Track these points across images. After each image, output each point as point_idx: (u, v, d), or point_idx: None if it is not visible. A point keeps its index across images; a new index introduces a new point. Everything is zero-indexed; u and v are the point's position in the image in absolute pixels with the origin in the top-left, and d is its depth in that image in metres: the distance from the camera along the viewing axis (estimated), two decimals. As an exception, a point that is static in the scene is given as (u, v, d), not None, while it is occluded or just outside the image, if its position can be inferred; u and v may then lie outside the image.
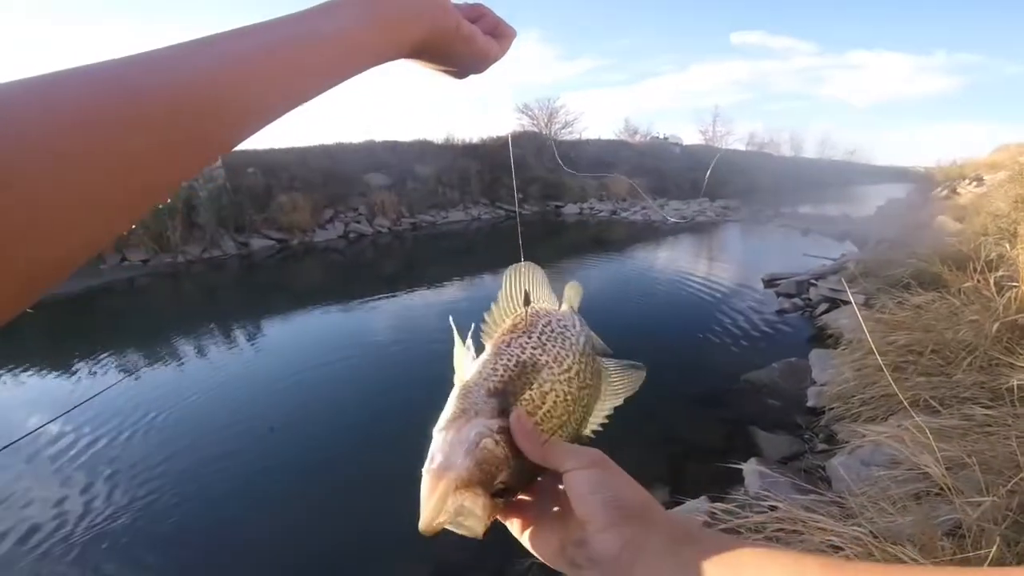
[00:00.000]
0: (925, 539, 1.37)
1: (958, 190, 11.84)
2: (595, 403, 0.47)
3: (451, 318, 0.48)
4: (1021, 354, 2.49)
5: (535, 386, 0.43)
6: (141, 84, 0.24)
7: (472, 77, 0.48)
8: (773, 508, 1.92)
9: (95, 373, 5.20)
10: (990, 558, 1.17)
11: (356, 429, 3.93)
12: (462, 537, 0.38)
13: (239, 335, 6.29)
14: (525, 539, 0.41)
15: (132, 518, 3.03)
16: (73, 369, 5.33)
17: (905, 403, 2.25)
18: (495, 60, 0.47)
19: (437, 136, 20.20)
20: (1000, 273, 3.42)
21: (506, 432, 0.40)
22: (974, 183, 11.65)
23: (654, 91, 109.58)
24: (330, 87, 0.34)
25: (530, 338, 0.45)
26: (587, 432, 0.46)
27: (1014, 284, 3.17)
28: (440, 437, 0.39)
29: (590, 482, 0.38)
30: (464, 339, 0.47)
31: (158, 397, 4.54)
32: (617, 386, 0.48)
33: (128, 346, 5.94)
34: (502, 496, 0.39)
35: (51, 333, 6.32)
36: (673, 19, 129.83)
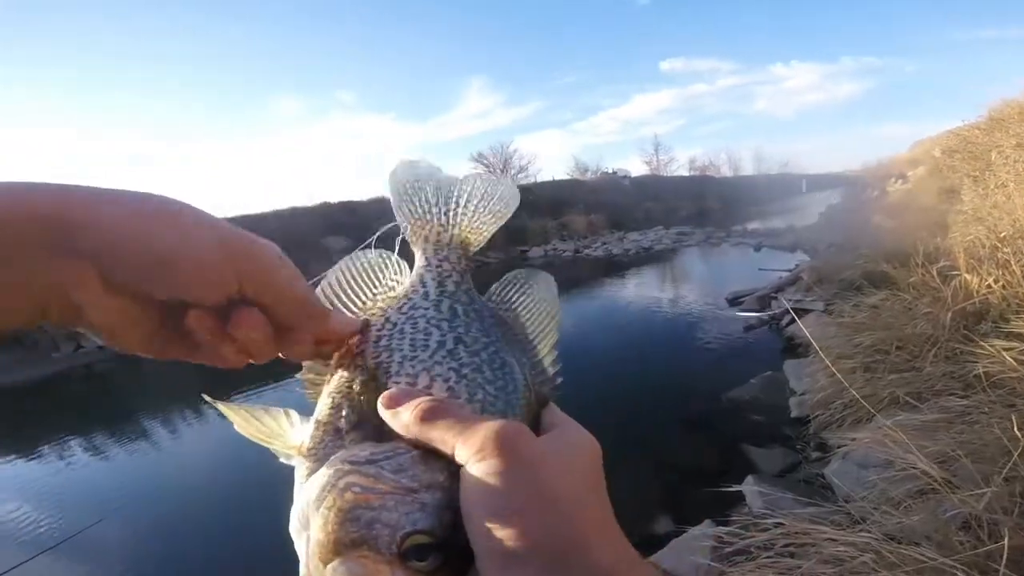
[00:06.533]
0: (940, 536, 1.37)
1: (888, 189, 12.66)
2: (518, 356, 0.37)
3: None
4: (978, 341, 2.59)
5: (400, 380, 0.32)
6: None
7: None
8: (778, 525, 1.89)
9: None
10: (1006, 548, 1.17)
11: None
12: None
13: (209, 420, 5.94)
14: None
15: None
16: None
17: (871, 409, 2.28)
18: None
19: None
20: (941, 264, 3.60)
21: (388, 456, 0.27)
22: (899, 180, 12.49)
23: (599, 126, 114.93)
24: None
25: (366, 347, 0.36)
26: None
27: (956, 272, 3.33)
28: (293, 524, 0.28)
29: (475, 492, 0.23)
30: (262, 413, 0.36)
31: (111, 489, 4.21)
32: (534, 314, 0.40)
33: (79, 433, 5.59)
34: (423, 559, 0.24)
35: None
36: (605, 52, 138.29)
